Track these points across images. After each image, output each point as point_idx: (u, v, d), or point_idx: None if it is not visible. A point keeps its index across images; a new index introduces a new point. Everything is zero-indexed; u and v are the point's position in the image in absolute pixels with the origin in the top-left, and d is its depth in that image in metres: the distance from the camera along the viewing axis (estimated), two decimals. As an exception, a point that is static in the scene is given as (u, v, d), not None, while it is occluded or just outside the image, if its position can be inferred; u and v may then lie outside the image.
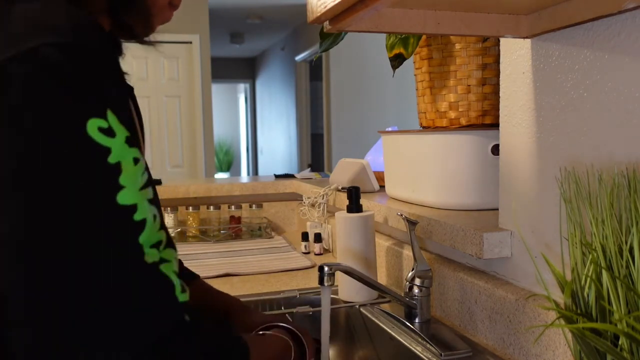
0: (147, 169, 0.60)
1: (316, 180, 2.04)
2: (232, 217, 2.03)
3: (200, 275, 0.97)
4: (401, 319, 1.04)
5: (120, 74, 0.62)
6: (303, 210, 1.79)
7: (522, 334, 0.84)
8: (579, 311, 0.53)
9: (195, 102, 5.28)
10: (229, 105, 10.75)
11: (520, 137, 0.86)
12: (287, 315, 1.02)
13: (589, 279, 0.52)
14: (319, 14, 0.64)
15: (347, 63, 5.51)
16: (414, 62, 1.25)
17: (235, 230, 2.01)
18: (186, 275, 0.95)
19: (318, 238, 1.70)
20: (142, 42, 0.74)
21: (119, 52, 0.72)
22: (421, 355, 0.93)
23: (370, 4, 0.56)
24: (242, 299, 0.95)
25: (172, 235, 1.95)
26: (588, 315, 0.53)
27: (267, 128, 9.17)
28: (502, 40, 0.90)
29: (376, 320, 1.11)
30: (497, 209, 0.93)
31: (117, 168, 0.55)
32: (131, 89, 0.77)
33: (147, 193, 0.58)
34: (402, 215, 1.05)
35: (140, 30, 0.71)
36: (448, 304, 1.04)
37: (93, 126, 0.53)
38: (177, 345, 0.58)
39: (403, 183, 1.27)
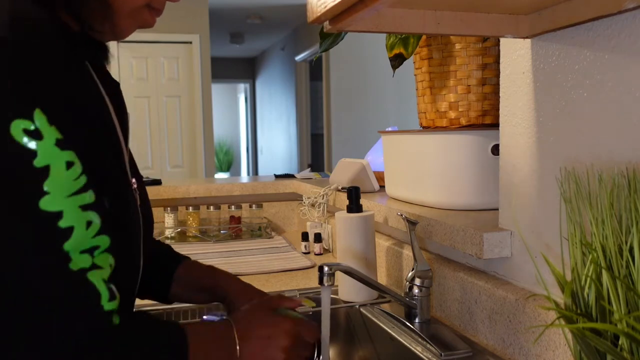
0: (90, 172, 0.57)
1: (316, 180, 2.04)
2: (232, 217, 2.03)
3: (200, 275, 0.97)
4: (401, 319, 1.04)
5: (73, 71, 0.59)
6: (303, 210, 1.79)
7: (522, 334, 0.84)
8: (579, 311, 0.53)
9: (195, 102, 5.28)
10: (229, 105, 10.75)
11: (520, 137, 0.86)
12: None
13: (589, 279, 0.52)
14: (319, 14, 0.64)
15: (347, 63, 5.50)
16: (414, 62, 1.25)
17: (235, 230, 2.01)
18: (173, 258, 0.94)
19: (318, 238, 1.70)
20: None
21: (88, 50, 0.67)
22: (421, 355, 0.93)
23: (370, 4, 0.56)
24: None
25: (172, 235, 1.95)
26: (588, 315, 0.53)
27: (267, 128, 9.17)
28: (502, 40, 0.90)
29: (376, 320, 1.11)
30: (497, 209, 0.93)
31: (43, 172, 0.52)
32: (116, 84, 0.74)
33: (81, 199, 0.55)
34: (402, 215, 1.05)
35: (106, 29, 0.66)
36: (448, 304, 1.04)
37: (17, 127, 0.51)
38: (97, 354, 0.56)
39: (403, 183, 1.27)
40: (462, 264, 1.03)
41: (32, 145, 0.52)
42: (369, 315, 1.13)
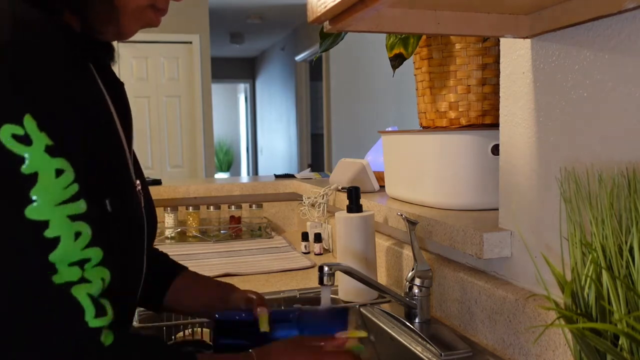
0: (84, 180, 0.55)
1: (316, 180, 2.04)
2: (232, 217, 2.03)
3: (200, 275, 0.97)
4: (401, 319, 1.04)
5: (73, 72, 0.58)
6: (303, 210, 1.79)
7: (522, 334, 0.84)
8: (579, 311, 0.53)
9: (195, 102, 5.28)
10: (229, 105, 10.75)
11: (520, 137, 0.86)
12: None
13: (589, 279, 0.52)
14: (319, 14, 0.64)
15: (347, 63, 5.50)
16: (414, 62, 1.25)
17: (235, 230, 2.01)
18: (171, 268, 0.92)
19: (318, 238, 1.70)
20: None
21: (91, 50, 0.67)
22: (421, 355, 0.93)
23: (370, 4, 0.56)
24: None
25: (172, 235, 1.95)
26: (588, 315, 0.53)
27: (267, 128, 9.17)
28: (502, 40, 0.90)
29: (376, 320, 1.11)
30: (497, 209, 0.93)
31: (30, 179, 0.50)
32: (120, 85, 0.73)
33: (70, 208, 0.53)
34: (402, 215, 1.05)
35: (110, 30, 0.66)
36: (448, 304, 1.04)
37: (6, 132, 0.50)
38: None
39: (403, 183, 1.27)
40: (462, 264, 1.03)
41: (21, 151, 0.50)
42: (369, 315, 1.13)
